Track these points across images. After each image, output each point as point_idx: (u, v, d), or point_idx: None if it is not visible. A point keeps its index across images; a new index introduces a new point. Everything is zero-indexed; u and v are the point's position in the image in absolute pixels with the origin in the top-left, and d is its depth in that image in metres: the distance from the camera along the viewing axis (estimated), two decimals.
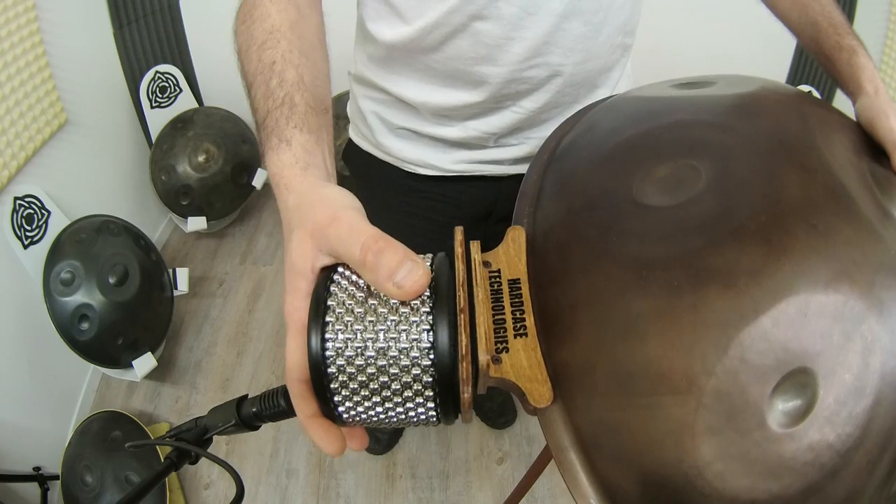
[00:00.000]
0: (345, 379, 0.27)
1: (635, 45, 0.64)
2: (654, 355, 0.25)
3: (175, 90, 1.81)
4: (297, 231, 0.30)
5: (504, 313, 0.29)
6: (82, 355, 1.28)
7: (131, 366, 1.36)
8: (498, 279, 0.31)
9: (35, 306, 1.24)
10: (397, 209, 0.74)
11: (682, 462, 0.24)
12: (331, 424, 0.30)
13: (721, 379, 0.24)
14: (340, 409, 0.28)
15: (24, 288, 1.25)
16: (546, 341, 0.29)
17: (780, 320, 0.24)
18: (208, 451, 0.34)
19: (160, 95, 1.78)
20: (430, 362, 0.27)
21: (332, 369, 0.27)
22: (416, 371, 0.27)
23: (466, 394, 0.27)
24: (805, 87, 1.82)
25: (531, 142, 0.65)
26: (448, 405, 0.28)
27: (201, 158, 1.75)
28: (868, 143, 0.35)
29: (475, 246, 0.31)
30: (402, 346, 0.27)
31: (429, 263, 0.29)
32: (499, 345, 0.28)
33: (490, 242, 0.33)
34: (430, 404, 0.28)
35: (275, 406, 0.32)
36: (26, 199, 1.27)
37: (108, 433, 1.26)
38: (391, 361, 0.27)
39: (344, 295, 0.28)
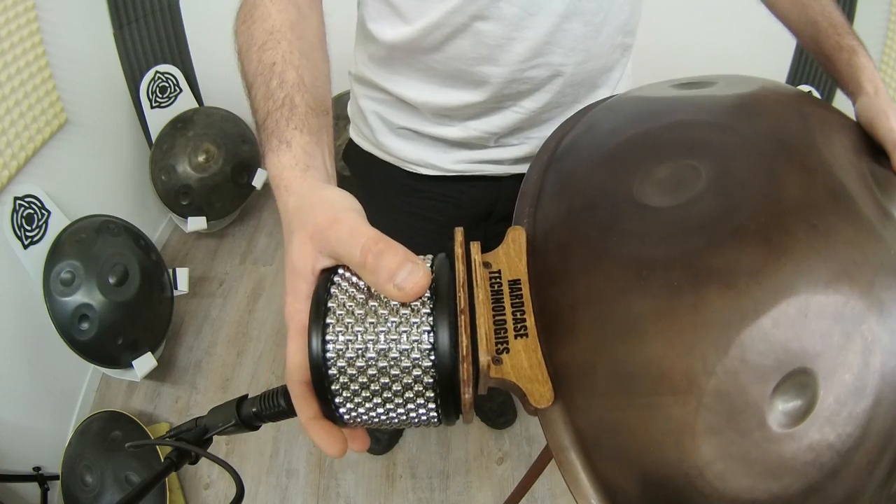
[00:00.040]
0: (346, 380, 0.27)
1: (635, 45, 0.64)
2: (654, 355, 0.25)
3: (175, 90, 1.81)
4: (297, 233, 0.30)
5: (504, 314, 0.30)
6: (82, 355, 1.28)
7: (131, 366, 1.36)
8: (498, 280, 0.31)
9: (35, 306, 1.24)
10: (398, 209, 0.74)
11: (683, 462, 0.24)
12: (332, 426, 0.30)
13: (721, 379, 0.24)
14: (341, 410, 0.28)
15: (24, 288, 1.25)
16: (546, 342, 0.29)
17: (780, 320, 0.24)
18: (208, 451, 0.34)
19: (160, 95, 1.78)
20: (430, 363, 0.27)
21: (332, 371, 0.27)
22: (416, 372, 0.27)
23: (467, 394, 0.27)
24: (805, 87, 1.82)
25: (532, 142, 0.65)
26: (449, 406, 0.28)
27: (201, 158, 1.75)
28: (868, 143, 0.35)
29: (475, 247, 0.31)
30: (403, 347, 0.27)
31: (429, 265, 0.30)
32: (499, 345, 0.28)
33: (490, 243, 0.33)
34: (431, 405, 0.28)
35: (275, 406, 0.32)
36: (26, 199, 1.27)
37: (108, 433, 1.26)
38: (392, 363, 0.27)
39: (344, 297, 0.28)
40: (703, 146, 0.31)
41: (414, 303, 0.27)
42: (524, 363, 0.28)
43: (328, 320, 0.27)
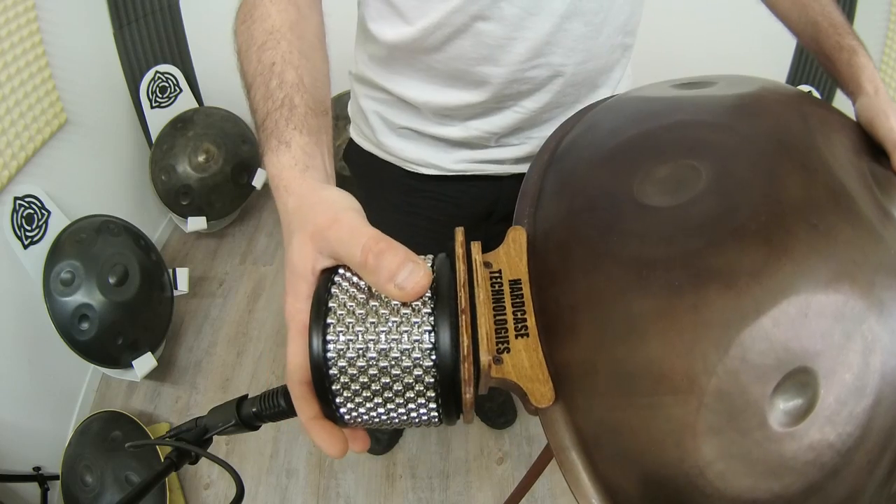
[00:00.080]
0: (346, 380, 0.27)
1: (636, 45, 0.64)
2: (655, 355, 0.25)
3: (175, 90, 1.81)
4: (297, 233, 0.30)
5: (505, 314, 0.30)
6: (82, 355, 1.28)
7: (131, 366, 1.36)
8: (499, 280, 0.31)
9: (35, 306, 1.24)
10: (398, 209, 0.74)
11: (684, 462, 0.24)
12: (332, 426, 0.30)
13: (722, 379, 0.24)
14: (342, 410, 0.28)
15: (24, 288, 1.25)
16: (547, 341, 0.29)
17: (780, 320, 0.24)
18: (208, 451, 0.34)
19: (160, 95, 1.78)
20: (431, 363, 0.27)
21: (333, 371, 0.27)
22: (417, 372, 0.27)
23: (468, 394, 0.27)
24: (805, 87, 1.82)
25: (532, 141, 0.65)
26: (450, 406, 0.28)
27: (201, 158, 1.75)
28: (868, 143, 0.35)
29: (476, 247, 0.31)
30: (404, 347, 0.27)
31: (430, 264, 0.30)
32: (500, 345, 0.28)
33: (491, 242, 0.33)
34: (432, 405, 0.28)
35: (275, 406, 0.32)
36: (26, 199, 1.27)
37: (108, 433, 1.26)
38: (393, 363, 0.27)
39: (345, 297, 0.28)
40: (703, 146, 0.31)
41: (415, 302, 0.27)
42: (525, 363, 0.28)
43: (329, 320, 0.27)
